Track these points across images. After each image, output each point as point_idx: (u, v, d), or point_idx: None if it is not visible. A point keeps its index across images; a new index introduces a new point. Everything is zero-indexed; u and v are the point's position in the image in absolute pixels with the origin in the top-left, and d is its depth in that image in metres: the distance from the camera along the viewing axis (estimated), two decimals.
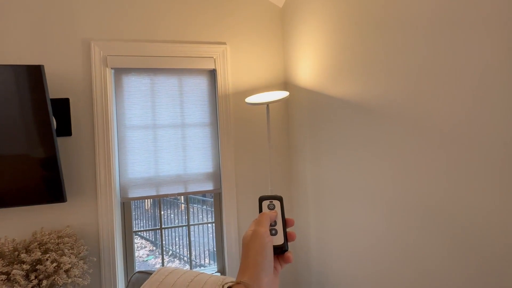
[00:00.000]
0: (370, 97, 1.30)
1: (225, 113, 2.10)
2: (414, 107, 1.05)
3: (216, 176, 2.12)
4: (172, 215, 5.49)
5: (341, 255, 1.59)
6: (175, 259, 4.66)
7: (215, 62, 2.09)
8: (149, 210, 5.59)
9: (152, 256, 4.86)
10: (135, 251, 1.85)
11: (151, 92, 2.04)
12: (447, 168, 0.91)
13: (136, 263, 4.62)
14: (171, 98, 2.07)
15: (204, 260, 4.27)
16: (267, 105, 1.77)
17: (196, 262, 4.32)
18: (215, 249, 2.14)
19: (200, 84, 2.11)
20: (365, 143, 1.36)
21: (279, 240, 0.46)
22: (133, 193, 1.98)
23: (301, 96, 1.97)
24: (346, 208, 1.54)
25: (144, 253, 4.96)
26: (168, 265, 4.29)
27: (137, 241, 5.40)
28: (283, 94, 1.76)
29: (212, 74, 2.14)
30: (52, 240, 1.56)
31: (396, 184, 1.16)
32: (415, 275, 1.04)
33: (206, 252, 4.43)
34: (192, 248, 4.42)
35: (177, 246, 4.83)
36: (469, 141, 0.85)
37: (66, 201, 1.64)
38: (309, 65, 1.85)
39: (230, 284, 0.37)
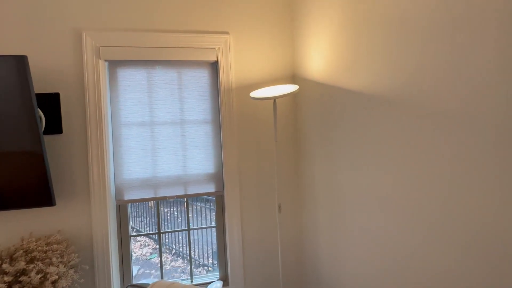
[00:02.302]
0: (393, 88, 1.12)
1: (228, 109, 1.93)
2: (447, 100, 0.87)
3: (218, 177, 1.96)
4: (175, 213, 5.38)
5: (357, 268, 1.42)
6: (178, 258, 4.55)
7: (217, 53, 1.92)
8: (153, 208, 5.48)
9: (156, 255, 4.75)
10: (132, 254, 1.69)
11: (148, 86, 1.87)
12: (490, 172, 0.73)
13: (139, 262, 4.53)
14: (169, 93, 1.90)
15: (208, 260, 4.15)
16: (274, 100, 1.60)
17: (199, 262, 4.20)
18: (217, 254, 1.99)
19: (201, 77, 1.94)
20: (386, 141, 1.18)
21: None
22: (129, 195, 1.83)
23: (312, 90, 1.79)
24: (363, 216, 1.36)
25: (147, 251, 4.86)
26: (169, 268, 4.17)
27: (140, 239, 5.30)
28: (292, 87, 1.58)
29: (214, 66, 1.96)
30: (39, 248, 1.42)
31: (423, 190, 0.98)
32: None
33: (210, 251, 4.30)
34: (196, 247, 4.30)
35: (180, 245, 4.72)
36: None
37: (54, 205, 1.50)
38: (322, 56, 1.67)
39: None
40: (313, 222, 1.86)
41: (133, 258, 4.60)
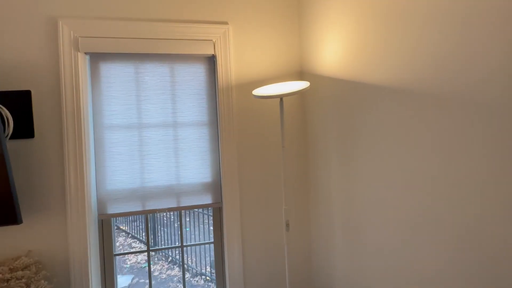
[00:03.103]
0: (426, 80, 0.88)
1: (227, 110, 1.68)
2: (489, 94, 0.64)
3: (216, 187, 1.71)
4: (172, 217, 5.12)
5: None
6: (175, 266, 4.29)
7: (214, 46, 1.67)
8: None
9: (151, 262, 4.49)
10: (116, 272, 1.42)
11: (136, 83, 1.63)
12: None
13: (134, 270, 4.27)
14: (160, 91, 1.66)
15: (205, 268, 3.90)
16: (281, 99, 1.36)
17: (197, 271, 3.95)
18: (215, 274, 1.74)
19: (196, 73, 1.70)
20: (420, 145, 0.94)
21: None
22: (113, 209, 1.59)
23: (324, 87, 1.54)
24: (389, 235, 1.12)
25: (142, 259, 4.61)
26: (165, 277, 3.91)
27: (136, 245, 5.05)
28: (302, 84, 1.34)
29: (211, 61, 1.72)
30: (0, 276, 1.17)
31: (463, 200, 0.75)
32: None
33: (208, 258, 4.05)
34: (193, 253, 4.05)
35: (177, 252, 4.46)
36: None
37: (20, 222, 1.25)
38: (337, 48, 1.42)
39: None
40: (327, 241, 1.61)
41: (127, 266, 4.34)
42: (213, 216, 1.74)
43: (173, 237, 4.59)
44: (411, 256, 1.04)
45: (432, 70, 0.91)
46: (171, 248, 1.74)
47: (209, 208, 1.71)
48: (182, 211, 1.65)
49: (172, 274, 4.12)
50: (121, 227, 5.52)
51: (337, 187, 1.46)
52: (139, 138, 1.62)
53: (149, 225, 1.69)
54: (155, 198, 1.63)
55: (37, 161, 1.45)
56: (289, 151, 1.76)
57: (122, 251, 4.76)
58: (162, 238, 4.77)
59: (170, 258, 4.52)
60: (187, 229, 4.89)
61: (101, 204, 1.58)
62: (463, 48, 0.83)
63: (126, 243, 5.16)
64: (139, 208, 1.61)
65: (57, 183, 1.46)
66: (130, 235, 5.32)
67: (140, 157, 1.62)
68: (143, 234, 5.01)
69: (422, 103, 0.97)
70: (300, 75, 1.79)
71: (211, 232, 4.10)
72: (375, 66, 1.16)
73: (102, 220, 1.61)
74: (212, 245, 3.96)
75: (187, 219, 4.96)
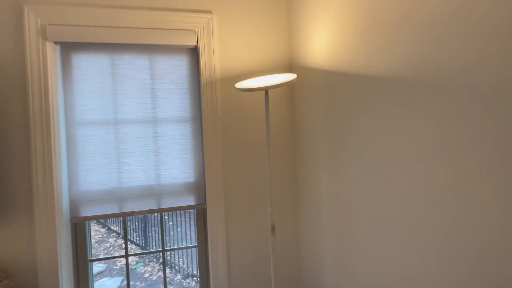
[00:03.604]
0: (428, 68, 0.77)
1: (211, 105, 1.57)
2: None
3: (199, 188, 1.60)
4: (166, 217, 4.99)
5: None
6: (166, 268, 4.17)
7: (197, 36, 1.56)
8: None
9: (141, 264, 4.37)
10: (91, 279, 1.29)
11: (112, 76, 1.51)
12: None
13: (124, 272, 4.14)
14: (139, 85, 1.54)
15: (197, 270, 3.78)
16: (266, 92, 1.25)
17: (188, 272, 3.84)
18: (199, 280, 1.63)
19: (178, 66, 1.58)
20: (412, 139, 0.84)
21: None
22: (87, 211, 1.46)
23: (314, 80, 1.43)
24: (383, 238, 1.02)
25: (133, 260, 4.48)
26: (155, 279, 3.79)
27: (128, 245, 4.90)
28: (289, 76, 1.23)
29: (194, 53, 1.60)
30: None
31: (461, 201, 0.65)
32: None
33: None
34: (183, 254, 3.93)
35: (168, 253, 4.34)
36: None
37: None
38: (325, 38, 1.31)
39: None
40: (315, 245, 1.51)
41: (117, 267, 4.21)
42: (197, 218, 1.63)
43: (171, 242, 4.46)
44: (403, 260, 0.94)
45: (428, 57, 0.81)
46: (152, 252, 1.62)
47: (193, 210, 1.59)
48: (161, 221, 1.54)
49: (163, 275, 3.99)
50: (112, 227, 5.38)
51: (327, 187, 1.36)
52: (116, 135, 1.50)
53: (127, 228, 1.57)
54: (133, 200, 1.51)
55: (0, 160, 1.32)
56: (275, 149, 1.65)
57: (112, 253, 4.63)
58: (154, 238, 4.63)
59: (161, 258, 4.39)
60: (179, 230, 4.76)
61: (73, 206, 1.46)
62: (463, 31, 0.72)
63: (116, 244, 5.02)
64: (115, 211, 1.49)
65: (23, 185, 1.34)
66: (121, 235, 5.18)
67: (117, 155, 1.50)
68: (134, 235, 4.87)
69: (420, 94, 0.86)
70: (289, 69, 1.68)
71: None
72: (368, 55, 1.06)
73: (75, 223, 1.48)
74: None
75: (180, 219, 4.84)
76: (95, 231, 5.49)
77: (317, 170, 1.45)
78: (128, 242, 4.97)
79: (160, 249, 1.66)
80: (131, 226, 4.98)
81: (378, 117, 1.03)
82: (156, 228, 4.69)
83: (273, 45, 1.65)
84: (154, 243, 4.61)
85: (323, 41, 1.34)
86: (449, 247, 0.80)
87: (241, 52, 1.61)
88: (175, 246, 4.39)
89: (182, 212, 4.69)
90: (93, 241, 5.15)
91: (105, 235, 5.24)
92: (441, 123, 0.80)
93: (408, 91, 0.90)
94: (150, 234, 4.67)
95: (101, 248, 4.86)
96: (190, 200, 1.58)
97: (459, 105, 0.75)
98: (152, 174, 1.54)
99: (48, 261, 1.35)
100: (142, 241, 4.78)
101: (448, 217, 0.80)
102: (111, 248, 4.81)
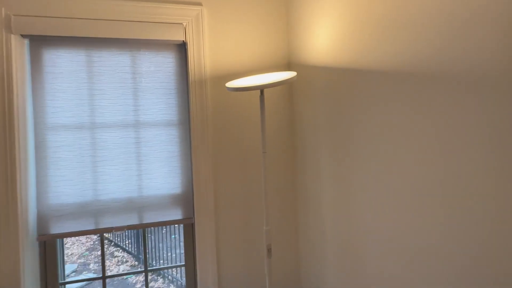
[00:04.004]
0: (432, 62, 0.62)
1: (201, 107, 1.40)
2: None
3: (187, 200, 1.42)
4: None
5: None
6: (159, 278, 3.97)
7: (185, 31, 1.39)
8: None
9: (132, 276, 4.15)
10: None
11: (89, 74, 1.33)
12: None
13: (114, 282, 3.93)
14: (119, 84, 1.36)
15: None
16: (261, 92, 1.08)
17: (181, 283, 3.64)
18: None
19: (163, 63, 1.41)
20: (423, 142, 0.68)
21: None
22: (57, 228, 1.28)
23: (316, 78, 1.27)
24: (395, 262, 0.84)
25: (124, 269, 4.27)
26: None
27: (119, 254, 4.70)
28: (287, 74, 1.06)
29: (181, 49, 1.43)
30: None
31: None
32: None
33: None
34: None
35: (162, 261, 4.15)
36: None
37: None
38: (328, 33, 1.15)
39: None
40: (318, 267, 1.33)
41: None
42: (184, 234, 1.44)
43: (166, 249, 4.24)
44: (417, 281, 0.76)
45: (437, 50, 0.65)
46: (133, 273, 1.44)
47: (180, 224, 1.41)
48: (144, 238, 1.36)
49: (156, 286, 3.79)
50: (105, 234, 5.17)
51: (331, 200, 1.18)
52: (92, 141, 1.32)
53: (104, 247, 1.37)
54: (111, 214, 1.33)
55: None
56: (272, 157, 1.47)
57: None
58: (148, 245, 4.40)
59: (154, 267, 4.18)
60: (173, 236, 4.55)
61: (42, 222, 1.27)
62: (474, 20, 0.56)
63: (108, 251, 4.81)
64: (91, 227, 1.31)
65: None
66: (113, 242, 4.98)
67: (93, 164, 1.32)
68: (127, 242, 4.66)
69: (431, 87, 0.69)
70: (287, 67, 1.51)
71: None
72: (373, 49, 0.89)
73: (44, 242, 1.30)
74: None
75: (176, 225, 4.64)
76: (87, 237, 5.29)
77: (319, 181, 1.28)
78: (120, 250, 4.75)
79: (147, 265, 1.48)
80: (124, 233, 4.78)
81: (390, 117, 0.86)
82: (150, 235, 4.48)
83: (270, 41, 1.48)
84: (147, 250, 4.40)
85: (327, 36, 1.17)
86: (478, 266, 0.62)
87: (234, 49, 1.44)
88: (168, 254, 4.17)
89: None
90: (83, 248, 4.93)
91: (96, 242, 5.02)
92: (461, 121, 0.63)
93: (423, 87, 0.73)
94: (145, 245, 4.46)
95: (92, 256, 4.65)
96: (176, 214, 1.40)
97: (479, 101, 0.59)
98: (133, 185, 1.36)
99: (9, 286, 1.16)
100: (134, 248, 4.56)
101: (476, 232, 0.63)
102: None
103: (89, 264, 4.43)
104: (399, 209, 0.85)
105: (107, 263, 4.57)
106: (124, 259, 4.57)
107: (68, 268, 4.04)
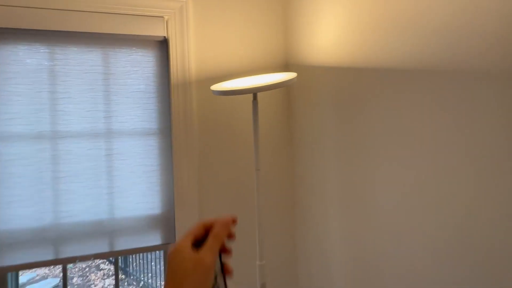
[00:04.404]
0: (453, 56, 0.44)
1: (184, 114, 1.20)
2: None
3: (167, 222, 1.21)
4: None
5: None
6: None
7: (166, 25, 1.20)
8: None
9: None
10: None
11: (51, 75, 1.13)
12: None
13: None
14: (88, 87, 1.16)
15: None
16: (254, 96, 0.88)
17: None
18: None
19: (141, 63, 1.21)
20: (448, 144, 0.49)
21: None
22: (8, 258, 1.06)
23: (323, 80, 1.08)
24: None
25: (110, 283, 4.01)
26: None
27: (105, 266, 4.43)
28: (286, 75, 0.87)
29: (162, 47, 1.24)
30: None
31: None
32: None
33: None
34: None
35: (151, 275, 3.90)
36: None
37: None
38: (332, 28, 0.97)
39: None
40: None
41: None
42: (165, 261, 1.23)
43: (155, 261, 3.97)
44: None
45: (457, 43, 0.47)
46: None
47: (160, 251, 1.20)
48: (116, 268, 1.14)
49: None
50: None
51: (340, 228, 0.98)
52: (54, 153, 1.11)
53: (67, 280, 1.16)
54: (76, 241, 1.11)
55: None
56: (267, 175, 1.27)
57: (88, 274, 4.14)
58: (135, 258, 4.14)
59: (142, 282, 3.97)
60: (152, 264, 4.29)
61: None
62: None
63: (93, 264, 4.53)
64: (50, 256, 1.09)
65: None
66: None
67: (54, 180, 1.11)
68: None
69: (456, 84, 0.51)
70: (285, 68, 1.32)
71: None
72: (386, 44, 0.71)
73: None
74: None
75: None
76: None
77: (324, 203, 1.08)
78: (107, 262, 4.47)
79: None
80: None
81: (407, 122, 0.67)
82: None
83: (265, 38, 1.29)
84: (135, 264, 4.14)
85: (331, 31, 0.99)
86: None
87: (224, 47, 1.25)
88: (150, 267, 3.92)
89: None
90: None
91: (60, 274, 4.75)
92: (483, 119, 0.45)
93: (448, 84, 0.55)
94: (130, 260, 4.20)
95: (76, 269, 4.37)
96: (155, 239, 1.19)
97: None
98: (103, 205, 1.14)
99: None
100: (121, 260, 4.29)
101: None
102: (87, 269, 4.33)
103: (72, 277, 4.15)
104: (428, 247, 0.66)
105: (92, 276, 4.30)
106: (111, 273, 4.30)
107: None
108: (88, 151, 1.14)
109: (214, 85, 0.95)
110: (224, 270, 0.32)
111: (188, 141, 1.19)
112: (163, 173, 1.21)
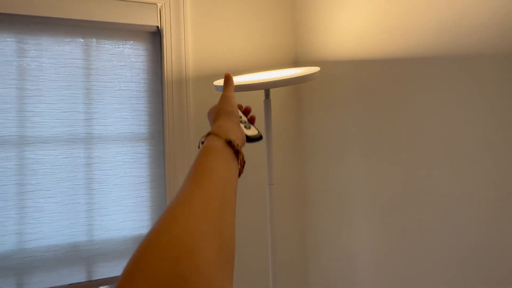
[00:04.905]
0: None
1: (179, 116, 1.03)
2: None
3: None
4: None
5: None
6: None
7: (160, 14, 1.03)
8: None
9: None
10: None
11: (20, 69, 0.94)
12: None
13: None
14: (66, 83, 0.98)
15: None
16: (267, 94, 0.73)
17: None
18: None
19: (130, 57, 1.04)
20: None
21: (254, 131, 0.47)
22: None
23: (343, 75, 0.93)
24: None
25: None
26: None
27: None
28: (309, 70, 0.72)
29: (154, 39, 1.07)
30: None
31: None
32: None
33: None
34: None
35: None
36: None
37: None
38: (351, 18, 0.83)
39: (202, 139, 0.37)
40: None
41: None
42: None
43: None
44: None
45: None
46: None
47: None
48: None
49: None
50: None
51: (372, 257, 0.82)
52: (20, 162, 0.92)
53: None
54: (46, 269, 0.91)
55: None
56: (281, 190, 1.10)
57: None
58: None
59: None
60: None
61: None
62: None
63: None
64: None
65: None
66: None
67: (19, 195, 0.91)
68: None
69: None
70: (294, 64, 1.17)
71: None
72: (419, 30, 0.57)
73: None
74: None
75: None
76: None
77: (337, 219, 0.92)
78: None
79: None
80: None
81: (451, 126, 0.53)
82: None
83: (272, 31, 1.15)
84: None
85: (355, 23, 0.85)
86: None
87: (225, 40, 1.09)
88: None
89: None
90: None
91: None
92: None
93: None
94: None
95: None
96: None
97: None
98: (80, 225, 0.95)
99: None
100: None
101: None
102: None
103: None
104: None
105: None
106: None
107: None
108: (63, 159, 0.95)
109: (217, 81, 0.79)
110: (249, 118, 0.50)
111: (184, 148, 1.02)
112: (154, 185, 1.03)
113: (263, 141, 0.78)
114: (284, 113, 1.14)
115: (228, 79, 0.48)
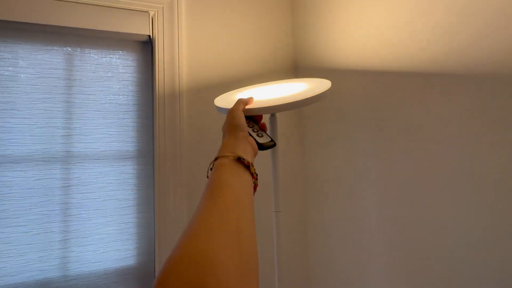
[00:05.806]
0: None
1: (172, 132, 0.93)
2: None
3: (146, 276, 0.90)
4: None
5: None
6: None
7: (152, 22, 0.95)
8: None
9: None
10: None
11: None
12: None
13: None
14: (42, 95, 0.87)
15: None
16: (272, 117, 0.65)
17: None
18: None
19: (118, 68, 0.95)
20: None
21: (267, 138, 0.49)
22: None
23: (353, 87, 0.87)
24: None
25: None
26: None
27: None
28: (321, 83, 0.65)
29: (146, 48, 0.98)
30: None
31: None
32: None
33: None
34: None
35: None
36: None
37: None
38: (358, 22, 0.77)
39: (211, 166, 0.37)
40: None
41: None
42: None
43: None
44: None
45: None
46: None
47: None
48: None
49: None
50: None
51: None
52: None
53: None
54: None
55: None
56: (286, 216, 1.01)
57: None
58: None
59: None
60: None
61: None
62: None
63: None
64: None
65: None
66: None
67: None
68: None
69: None
70: (295, 73, 1.11)
71: None
72: (434, 41, 0.52)
73: None
74: None
75: None
76: None
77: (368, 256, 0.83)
78: None
79: None
80: None
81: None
82: None
83: (272, 39, 1.08)
84: None
85: (357, 25, 0.79)
86: None
87: (222, 49, 1.01)
88: None
89: None
90: None
91: None
92: None
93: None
94: None
95: None
96: None
97: None
98: (53, 258, 0.82)
99: None
100: None
101: None
102: None
103: None
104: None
105: None
106: None
107: None
108: (36, 182, 0.83)
109: (218, 98, 0.70)
110: (260, 125, 0.52)
111: (176, 167, 0.91)
112: (142, 209, 0.92)
113: (263, 158, 0.70)
114: (286, 126, 1.06)
115: (242, 99, 0.49)
